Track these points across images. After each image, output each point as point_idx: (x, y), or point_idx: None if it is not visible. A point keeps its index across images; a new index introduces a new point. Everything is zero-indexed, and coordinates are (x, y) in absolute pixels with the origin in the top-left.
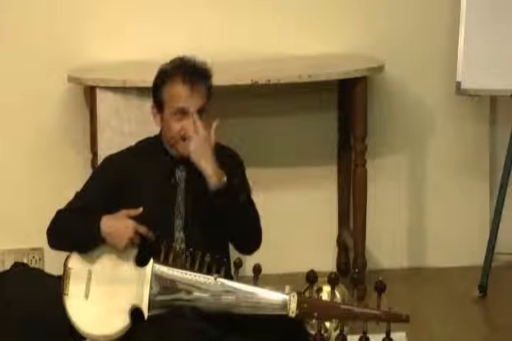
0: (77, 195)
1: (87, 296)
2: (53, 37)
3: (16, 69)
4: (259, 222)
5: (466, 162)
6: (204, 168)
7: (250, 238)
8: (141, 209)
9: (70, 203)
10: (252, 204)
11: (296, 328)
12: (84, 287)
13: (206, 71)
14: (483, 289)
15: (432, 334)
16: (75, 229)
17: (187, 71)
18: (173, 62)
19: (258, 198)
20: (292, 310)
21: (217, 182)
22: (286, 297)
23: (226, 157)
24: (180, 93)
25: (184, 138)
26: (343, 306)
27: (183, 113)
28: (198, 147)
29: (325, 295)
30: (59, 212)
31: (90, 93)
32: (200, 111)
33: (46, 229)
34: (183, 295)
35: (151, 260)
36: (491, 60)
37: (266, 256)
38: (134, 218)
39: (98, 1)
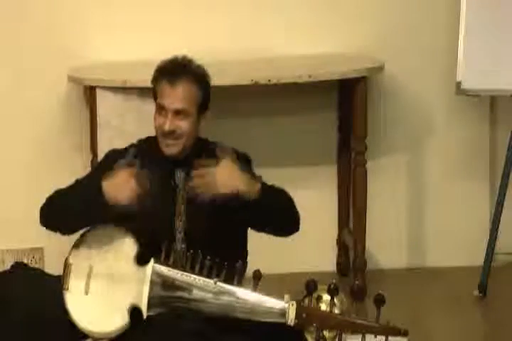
0: (77, 182)
1: (87, 292)
2: (53, 36)
3: (16, 69)
4: (293, 204)
5: (466, 162)
6: (239, 192)
7: (288, 221)
8: (135, 169)
9: (69, 186)
10: (279, 190)
11: (295, 335)
12: (85, 283)
13: (197, 74)
14: (483, 289)
15: (432, 334)
16: (74, 195)
17: (174, 70)
18: (167, 60)
19: None
20: (291, 318)
21: (255, 194)
22: (286, 305)
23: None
24: (162, 90)
25: (163, 135)
26: (342, 317)
27: (164, 109)
28: (224, 177)
29: (324, 304)
30: (56, 191)
31: (90, 93)
32: (182, 113)
33: (41, 207)
34: (182, 297)
35: (152, 260)
36: (491, 60)
37: (266, 256)
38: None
39: (98, 1)
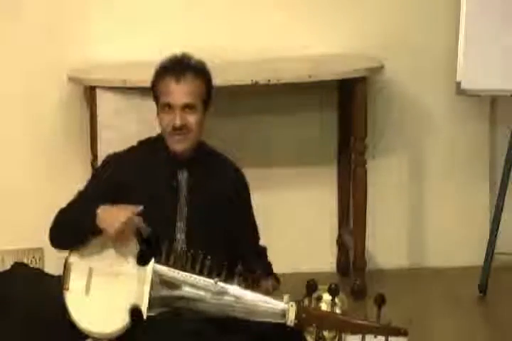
0: (79, 194)
1: (87, 292)
2: (53, 37)
3: (16, 70)
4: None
5: (466, 162)
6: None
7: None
8: (141, 208)
9: (72, 202)
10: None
11: (294, 335)
12: (85, 283)
13: (199, 68)
14: (483, 289)
15: (432, 334)
16: (72, 217)
17: (176, 66)
18: (166, 58)
19: (258, 198)
20: (291, 319)
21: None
22: (285, 306)
23: (233, 174)
24: (167, 88)
25: (173, 131)
26: (342, 317)
27: (170, 107)
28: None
29: (325, 304)
30: (60, 211)
31: (90, 93)
32: (189, 107)
33: (49, 229)
34: (182, 297)
35: (152, 260)
36: (491, 60)
37: None
38: None
39: (98, 1)
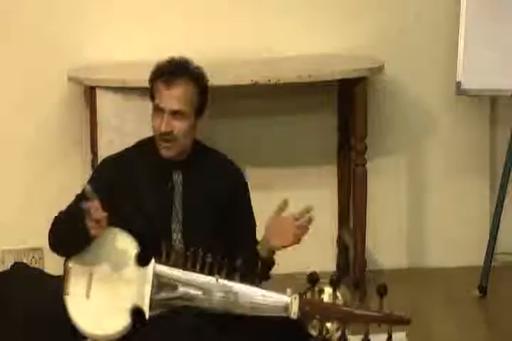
0: (77, 198)
1: (88, 296)
2: (53, 37)
3: (16, 69)
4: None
5: (466, 162)
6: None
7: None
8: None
9: (69, 206)
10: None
11: (298, 329)
12: (85, 286)
13: (193, 74)
14: (483, 289)
15: (432, 334)
16: (67, 231)
17: (170, 70)
18: (164, 60)
19: (258, 198)
20: (294, 311)
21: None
22: (288, 299)
23: (230, 174)
24: (158, 91)
25: (160, 136)
26: (344, 308)
27: (160, 110)
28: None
29: (326, 297)
30: (58, 214)
31: (90, 93)
32: (178, 114)
33: (48, 233)
34: (184, 295)
35: (153, 260)
36: (491, 59)
37: None
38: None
39: (98, 1)
